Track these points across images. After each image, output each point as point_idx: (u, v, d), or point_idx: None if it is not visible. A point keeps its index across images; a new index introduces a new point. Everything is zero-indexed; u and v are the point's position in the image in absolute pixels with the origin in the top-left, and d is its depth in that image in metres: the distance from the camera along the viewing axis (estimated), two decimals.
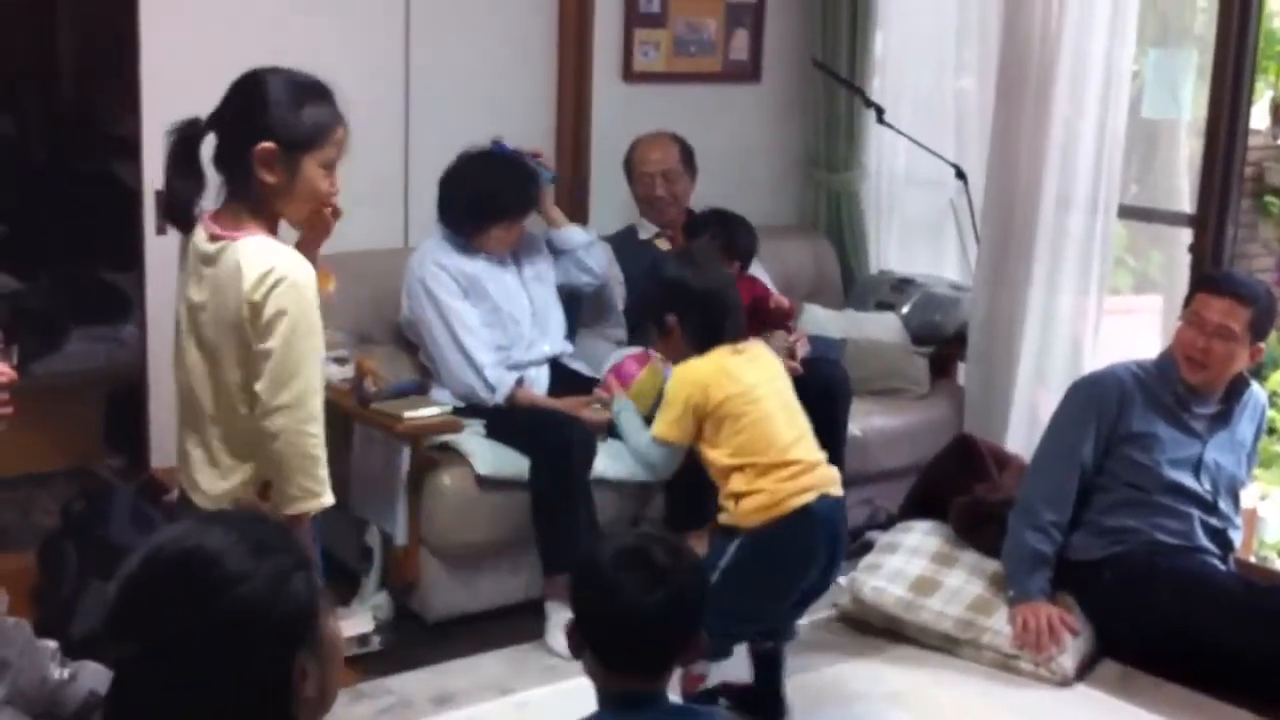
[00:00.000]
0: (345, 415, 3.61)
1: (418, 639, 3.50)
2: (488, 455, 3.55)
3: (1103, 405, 3.51)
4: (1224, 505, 3.51)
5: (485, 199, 3.77)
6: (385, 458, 3.59)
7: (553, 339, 3.94)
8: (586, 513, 3.52)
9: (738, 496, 2.97)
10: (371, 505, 3.62)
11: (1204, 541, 3.47)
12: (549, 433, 3.56)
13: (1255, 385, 3.61)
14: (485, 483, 3.53)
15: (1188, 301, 3.55)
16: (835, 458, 3.92)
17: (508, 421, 3.67)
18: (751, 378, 3.03)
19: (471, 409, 3.70)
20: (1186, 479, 3.47)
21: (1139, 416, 3.49)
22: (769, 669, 3.15)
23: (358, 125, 3.96)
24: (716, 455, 3.01)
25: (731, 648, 3.05)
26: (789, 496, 2.95)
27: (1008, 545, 3.54)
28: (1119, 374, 3.57)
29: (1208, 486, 3.48)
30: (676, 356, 3.10)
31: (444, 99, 4.19)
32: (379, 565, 3.56)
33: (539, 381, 3.85)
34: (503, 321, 3.80)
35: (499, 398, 3.70)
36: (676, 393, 3.03)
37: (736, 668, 3.13)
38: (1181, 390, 3.49)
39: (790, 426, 3.05)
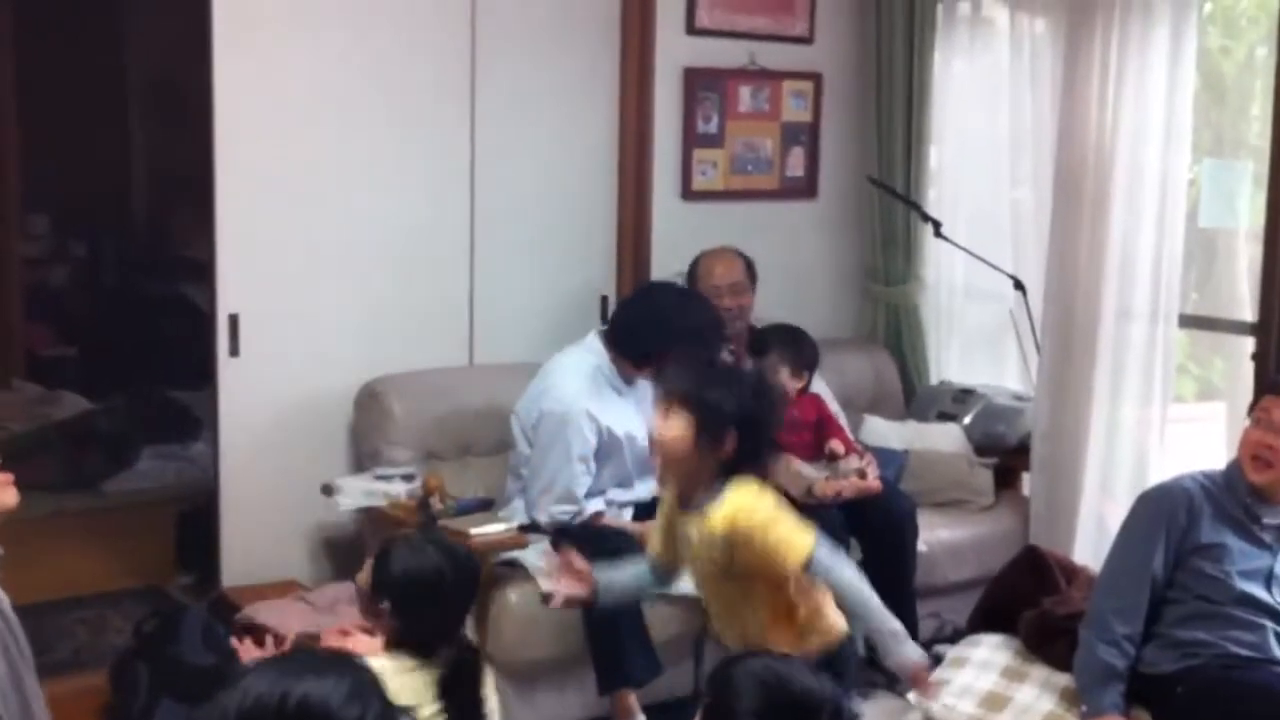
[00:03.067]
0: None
1: None
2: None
3: (1172, 516, 3.46)
4: None
5: (691, 336, 3.67)
6: None
7: (646, 481, 3.91)
8: (637, 630, 3.51)
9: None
10: None
11: (1278, 653, 3.41)
12: (600, 549, 3.56)
13: None
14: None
15: (1253, 407, 3.52)
16: (906, 581, 3.98)
17: (575, 538, 3.67)
18: None
19: (536, 526, 3.72)
20: (1259, 591, 3.41)
21: (1208, 528, 3.44)
22: None
23: (424, 246, 4.11)
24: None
25: None
26: None
27: (1079, 659, 3.48)
28: (1187, 485, 3.53)
29: None
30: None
31: (509, 222, 4.28)
32: None
33: (624, 516, 3.87)
34: (619, 466, 3.81)
35: (580, 519, 3.71)
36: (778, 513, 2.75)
37: None
38: (1249, 501, 3.44)
39: None
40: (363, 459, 3.97)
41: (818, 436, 4.09)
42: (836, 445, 4.06)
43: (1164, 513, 3.45)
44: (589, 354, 3.79)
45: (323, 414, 4.00)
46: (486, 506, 3.72)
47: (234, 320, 3.85)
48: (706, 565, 2.75)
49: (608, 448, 3.75)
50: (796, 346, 4.10)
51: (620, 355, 3.78)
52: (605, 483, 3.79)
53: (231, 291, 3.84)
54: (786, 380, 4.01)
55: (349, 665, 1.57)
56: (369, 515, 3.81)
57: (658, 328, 3.73)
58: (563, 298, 4.36)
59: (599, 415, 3.71)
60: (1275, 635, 3.42)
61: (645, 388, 3.90)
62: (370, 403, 3.98)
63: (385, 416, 3.94)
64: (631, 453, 3.83)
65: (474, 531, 3.50)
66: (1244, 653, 3.38)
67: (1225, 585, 3.39)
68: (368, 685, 1.51)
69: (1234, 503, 3.43)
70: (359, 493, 3.72)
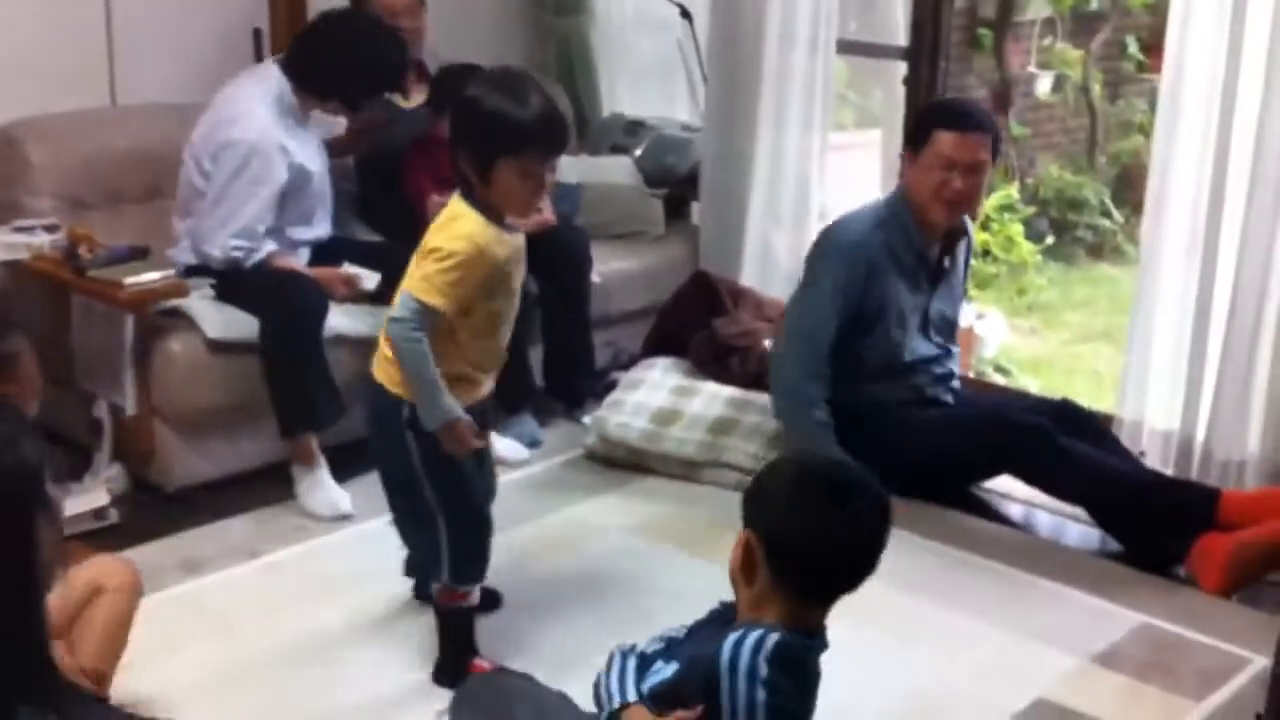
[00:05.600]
0: (61, 286, 3.45)
1: (159, 510, 3.40)
2: (217, 318, 3.44)
3: (852, 278, 3.44)
4: (950, 345, 3.69)
5: (376, 70, 3.63)
6: (107, 327, 3.44)
7: (323, 219, 3.80)
8: (320, 372, 3.46)
9: None
10: (97, 377, 3.48)
11: (937, 390, 3.64)
12: (276, 292, 3.46)
13: (967, 220, 3.63)
14: (216, 346, 3.42)
15: (916, 138, 3.46)
16: (581, 312, 4.03)
17: (237, 283, 3.55)
18: None
19: (200, 269, 3.56)
20: (922, 346, 3.59)
21: (887, 285, 3.48)
22: None
23: None
24: None
25: None
26: None
27: (797, 436, 3.53)
28: (867, 241, 3.47)
29: (937, 340, 3.64)
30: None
31: None
32: (110, 438, 3.44)
33: (301, 258, 3.73)
34: (301, 201, 3.65)
35: (254, 260, 3.55)
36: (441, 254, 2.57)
37: None
38: (919, 240, 3.50)
39: None
40: (1, 210, 3.68)
41: None
42: None
43: (847, 271, 3.45)
44: (270, 83, 3.58)
45: None
46: (141, 255, 3.51)
47: None
48: None
49: (296, 183, 3.59)
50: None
51: (302, 89, 3.59)
52: (289, 219, 3.64)
53: None
54: None
55: None
56: (11, 270, 3.56)
57: (342, 60, 3.59)
58: (212, 32, 4.08)
59: (290, 150, 3.55)
60: (935, 374, 3.64)
61: (322, 120, 3.77)
62: (5, 150, 3.68)
63: (22, 164, 3.65)
64: (315, 188, 3.69)
65: (128, 281, 3.33)
66: (903, 394, 3.57)
67: (898, 353, 3.55)
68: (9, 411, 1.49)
69: (906, 247, 3.51)
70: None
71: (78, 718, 1.40)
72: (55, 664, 1.46)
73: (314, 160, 3.68)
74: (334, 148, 3.90)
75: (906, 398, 3.58)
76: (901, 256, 3.52)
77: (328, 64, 3.60)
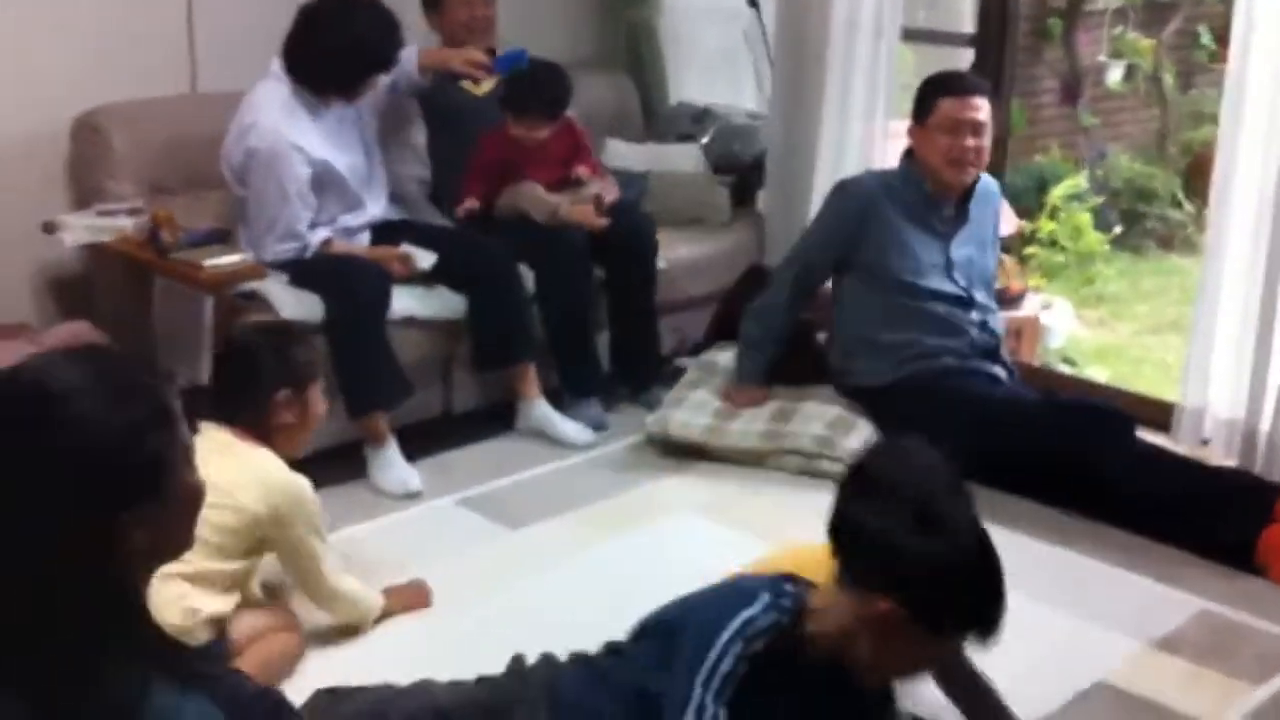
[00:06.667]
0: (143, 267, 3.56)
1: None
2: (292, 300, 3.53)
3: (844, 210, 3.72)
4: (980, 297, 3.74)
5: (359, 51, 3.62)
6: (187, 308, 3.55)
7: (376, 200, 3.88)
8: (385, 354, 3.53)
9: None
10: (178, 356, 3.59)
11: (976, 362, 3.67)
12: (340, 277, 3.54)
13: (985, 175, 3.76)
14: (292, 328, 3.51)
15: (919, 112, 3.66)
16: (647, 298, 4.09)
17: (308, 268, 3.64)
18: None
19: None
20: (944, 284, 3.67)
21: (893, 221, 3.66)
22: None
23: None
24: None
25: None
26: None
27: (740, 340, 3.88)
28: (868, 181, 3.79)
29: (963, 283, 3.69)
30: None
31: None
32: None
33: (360, 241, 3.82)
34: (338, 191, 3.72)
35: (309, 252, 3.64)
36: None
37: None
38: (930, 193, 3.66)
39: None
40: (84, 196, 3.80)
41: (568, 166, 4.09)
42: (582, 172, 4.07)
43: (850, 202, 3.72)
44: (278, 83, 3.63)
45: (37, 150, 3.78)
46: (221, 238, 3.62)
47: None
48: None
49: (323, 177, 3.65)
50: (554, 93, 3.96)
51: (301, 84, 3.63)
52: (333, 211, 3.72)
53: None
54: (544, 131, 3.96)
55: (128, 368, 1.49)
56: (95, 252, 3.68)
57: (324, 48, 3.60)
58: (291, 19, 4.17)
59: (306, 147, 3.59)
60: (968, 325, 3.68)
61: (342, 107, 3.75)
62: (89, 136, 3.79)
63: (106, 150, 3.76)
64: (352, 174, 3.75)
65: (208, 263, 3.43)
66: (951, 361, 3.65)
67: (915, 286, 3.64)
68: (136, 391, 1.44)
69: (914, 193, 3.66)
70: (84, 229, 3.58)
71: (173, 668, 1.44)
72: (154, 623, 1.50)
73: (344, 148, 3.72)
74: (424, 62, 3.95)
75: (950, 362, 3.61)
76: (909, 202, 3.68)
77: (313, 55, 3.62)
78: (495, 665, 2.35)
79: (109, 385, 1.43)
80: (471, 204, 3.95)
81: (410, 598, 2.91)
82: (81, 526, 1.39)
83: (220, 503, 2.46)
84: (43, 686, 1.37)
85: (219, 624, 2.54)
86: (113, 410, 1.41)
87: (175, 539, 1.51)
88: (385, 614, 2.84)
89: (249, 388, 2.68)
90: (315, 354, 2.87)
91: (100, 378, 1.43)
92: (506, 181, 3.98)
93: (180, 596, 2.44)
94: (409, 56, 3.90)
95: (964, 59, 4.55)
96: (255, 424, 2.67)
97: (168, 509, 1.45)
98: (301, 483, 2.65)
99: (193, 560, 2.38)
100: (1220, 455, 3.63)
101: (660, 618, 2.14)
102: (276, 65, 3.65)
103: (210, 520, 2.40)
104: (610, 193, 4.11)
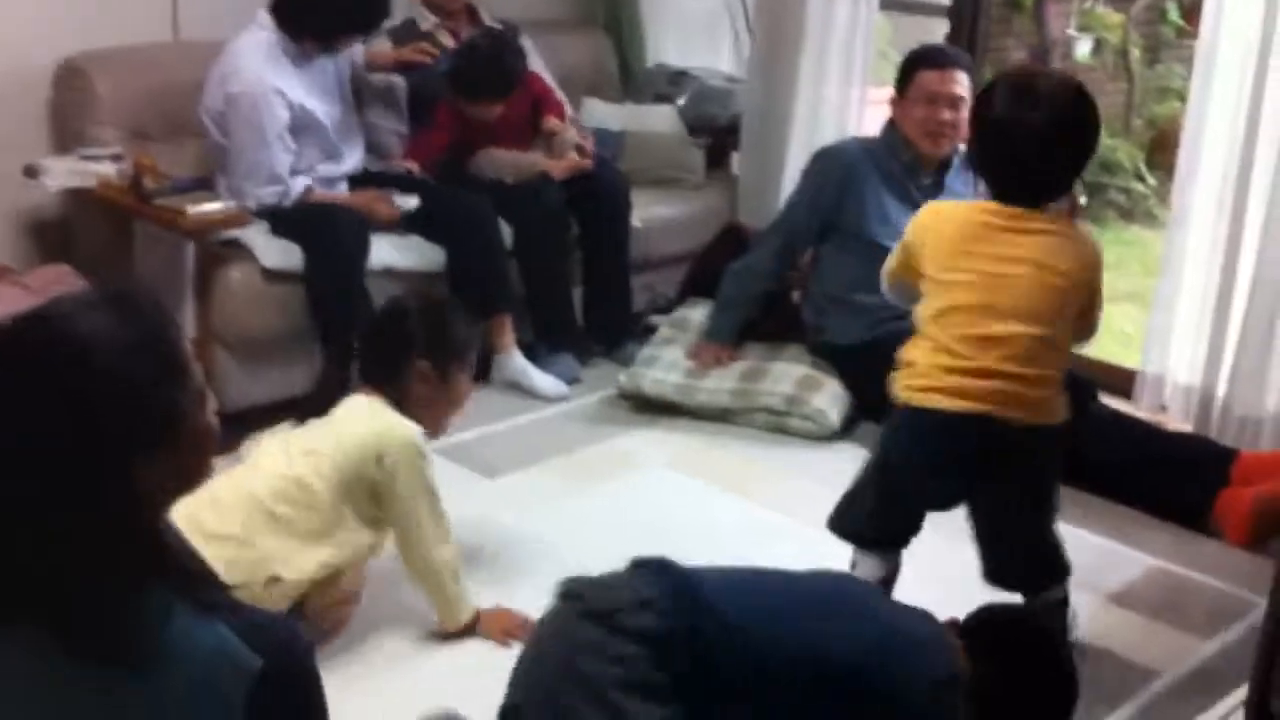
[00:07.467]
0: (125, 212, 3.58)
1: None
2: (273, 249, 3.57)
3: (839, 172, 3.78)
4: None
5: (344, 7, 3.67)
6: (170, 255, 3.58)
7: (354, 151, 3.93)
8: (364, 305, 3.57)
9: (902, 363, 2.54)
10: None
11: None
12: (318, 228, 3.59)
13: (962, 146, 3.78)
14: (272, 276, 3.56)
15: (901, 83, 3.75)
16: (621, 255, 4.16)
17: (288, 217, 3.67)
18: (986, 252, 2.42)
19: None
20: None
21: (871, 187, 3.75)
22: None
23: None
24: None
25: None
26: (936, 391, 2.43)
27: (719, 293, 3.97)
28: (850, 147, 3.87)
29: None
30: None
31: None
32: None
33: (338, 191, 3.86)
34: (317, 139, 3.77)
35: (291, 199, 3.68)
36: (911, 222, 2.57)
37: None
38: (909, 161, 3.74)
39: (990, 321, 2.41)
40: (66, 140, 3.81)
41: (534, 119, 4.13)
42: (553, 123, 4.12)
43: (832, 168, 3.80)
44: (262, 30, 3.67)
45: (18, 95, 3.79)
46: (204, 185, 3.65)
47: None
48: None
49: (302, 122, 3.70)
50: (503, 73, 3.98)
51: (285, 32, 3.67)
52: (312, 159, 3.77)
53: None
54: (499, 107, 3.99)
55: (140, 309, 1.51)
56: (77, 197, 3.70)
57: (327, 7, 3.66)
58: None
59: (287, 91, 3.64)
60: None
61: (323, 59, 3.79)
62: (71, 79, 3.80)
63: (88, 95, 3.77)
64: (331, 124, 3.80)
65: (191, 210, 3.45)
66: None
67: (891, 249, 3.70)
68: (153, 340, 1.47)
69: (892, 158, 3.74)
70: (66, 173, 3.60)
71: (190, 595, 1.49)
72: (172, 552, 1.55)
73: (323, 98, 3.77)
74: (372, 63, 3.99)
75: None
76: (888, 167, 3.76)
77: (301, 5, 3.66)
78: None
79: (131, 335, 1.46)
80: (411, 165, 3.97)
81: (504, 621, 2.69)
82: (96, 468, 1.43)
83: (322, 449, 2.53)
84: (65, 614, 1.42)
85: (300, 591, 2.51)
86: (133, 361, 1.45)
87: (190, 477, 1.55)
88: (479, 633, 2.68)
89: (391, 351, 2.69)
90: (473, 336, 2.85)
91: (122, 325, 1.46)
92: (468, 152, 4.02)
93: (260, 561, 2.45)
94: (357, 51, 3.94)
95: (939, 29, 4.62)
96: (395, 390, 2.66)
97: (180, 452, 1.50)
98: (416, 440, 2.59)
99: (280, 509, 2.48)
100: (1177, 420, 3.74)
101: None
102: (262, 15, 3.69)
103: (311, 471, 2.50)
104: (589, 140, 4.16)
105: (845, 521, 2.61)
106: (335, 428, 2.62)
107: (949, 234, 2.44)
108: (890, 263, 2.62)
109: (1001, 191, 2.44)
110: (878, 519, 2.56)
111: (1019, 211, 2.41)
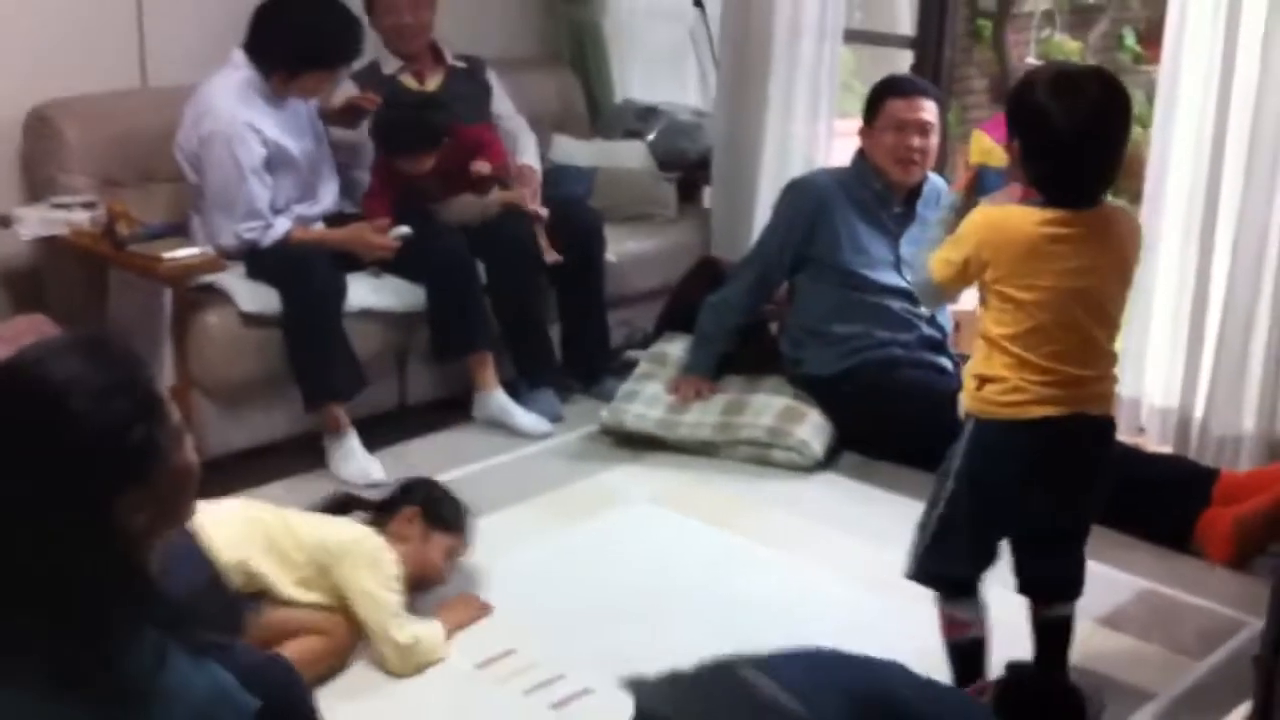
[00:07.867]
0: (100, 260, 3.56)
1: None
2: (250, 292, 3.56)
3: (810, 206, 3.81)
4: None
5: (308, 41, 3.66)
6: (145, 301, 3.55)
7: (329, 190, 3.92)
8: (339, 346, 3.57)
9: (981, 379, 2.45)
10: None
11: (926, 354, 3.79)
12: (295, 272, 3.57)
13: (932, 175, 3.89)
14: (250, 320, 3.54)
15: (869, 113, 3.80)
16: (596, 291, 4.16)
17: (264, 260, 3.66)
18: (1056, 268, 2.35)
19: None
20: (894, 278, 3.78)
21: (843, 217, 3.77)
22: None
23: None
24: (984, 320, 2.47)
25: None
26: (1033, 403, 2.39)
27: (697, 331, 3.99)
28: (821, 179, 3.90)
29: (910, 279, 3.80)
30: (1013, 178, 2.47)
31: None
32: None
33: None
34: (296, 179, 3.77)
35: (272, 238, 3.66)
36: (967, 231, 2.43)
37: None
38: (880, 189, 3.77)
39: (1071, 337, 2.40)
40: (37, 189, 3.79)
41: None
42: (480, 167, 3.98)
43: (803, 200, 3.83)
44: (235, 70, 3.67)
45: None
46: (178, 231, 3.63)
47: None
48: None
49: (277, 159, 3.69)
50: (426, 129, 3.90)
51: (260, 72, 3.67)
52: (289, 196, 3.76)
53: None
54: (429, 160, 3.91)
55: (111, 351, 1.52)
56: (50, 246, 3.67)
57: (278, 32, 3.66)
58: (242, 13, 4.15)
59: (262, 128, 3.64)
60: (921, 332, 3.80)
61: (296, 100, 3.78)
62: (40, 128, 3.78)
63: (58, 142, 3.75)
64: (307, 162, 3.80)
65: (166, 256, 3.43)
66: (899, 353, 3.75)
67: (866, 277, 3.75)
68: (124, 385, 1.48)
69: (863, 187, 3.78)
70: (39, 222, 3.57)
71: (183, 637, 1.48)
72: (163, 594, 1.54)
73: (299, 136, 3.77)
74: (326, 117, 3.97)
75: (898, 353, 3.73)
76: (859, 196, 3.80)
77: (269, 38, 3.67)
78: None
79: (103, 379, 1.48)
80: (383, 222, 3.87)
81: (465, 613, 2.88)
82: (79, 512, 1.44)
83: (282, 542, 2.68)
84: (60, 661, 1.42)
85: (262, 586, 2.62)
86: (107, 403, 1.46)
87: (172, 515, 1.57)
88: (450, 634, 2.80)
89: (392, 494, 3.01)
90: (461, 516, 2.99)
91: (95, 368, 1.48)
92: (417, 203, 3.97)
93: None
94: (312, 105, 3.91)
95: (903, 60, 4.67)
96: (383, 518, 2.92)
97: (161, 490, 1.51)
98: (368, 532, 2.79)
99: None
100: (1155, 442, 3.77)
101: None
102: (236, 54, 3.69)
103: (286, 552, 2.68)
104: (528, 182, 4.13)
105: (937, 565, 2.52)
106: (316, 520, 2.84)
107: (1015, 251, 2.36)
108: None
109: (1060, 195, 2.34)
110: (975, 552, 2.51)
111: (1072, 216, 2.35)
